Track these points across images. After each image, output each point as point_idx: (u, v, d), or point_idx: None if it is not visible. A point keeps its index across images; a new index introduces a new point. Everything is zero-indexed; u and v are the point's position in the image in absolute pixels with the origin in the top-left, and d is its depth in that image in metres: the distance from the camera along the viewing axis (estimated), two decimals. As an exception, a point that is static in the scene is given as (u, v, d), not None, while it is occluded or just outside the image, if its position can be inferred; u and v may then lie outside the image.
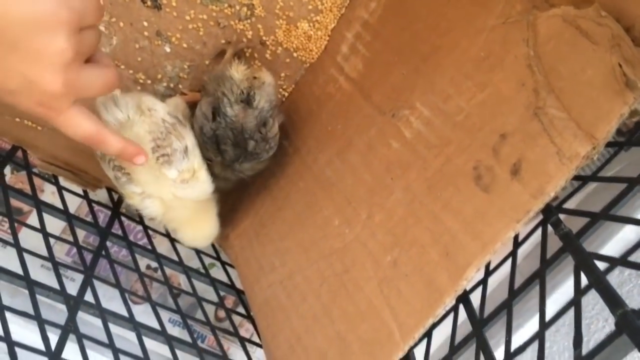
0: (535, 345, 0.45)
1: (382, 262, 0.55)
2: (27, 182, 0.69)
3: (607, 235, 0.75)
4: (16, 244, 0.61)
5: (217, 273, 0.81)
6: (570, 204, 0.53)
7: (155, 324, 0.65)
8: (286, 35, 0.73)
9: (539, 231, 0.52)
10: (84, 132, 0.45)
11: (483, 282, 0.52)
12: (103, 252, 0.68)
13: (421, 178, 0.55)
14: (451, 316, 0.53)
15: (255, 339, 0.72)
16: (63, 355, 0.54)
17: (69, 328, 0.56)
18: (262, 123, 0.65)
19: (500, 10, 0.55)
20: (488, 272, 0.52)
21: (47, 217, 0.68)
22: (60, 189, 0.71)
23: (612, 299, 0.40)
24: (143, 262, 0.86)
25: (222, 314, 0.89)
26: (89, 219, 0.74)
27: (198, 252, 0.78)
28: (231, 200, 0.77)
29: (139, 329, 0.61)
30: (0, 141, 0.79)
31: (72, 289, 0.63)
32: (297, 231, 0.66)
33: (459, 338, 0.52)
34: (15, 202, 0.80)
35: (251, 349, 0.91)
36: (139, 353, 0.60)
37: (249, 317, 0.75)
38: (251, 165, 0.67)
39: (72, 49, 0.39)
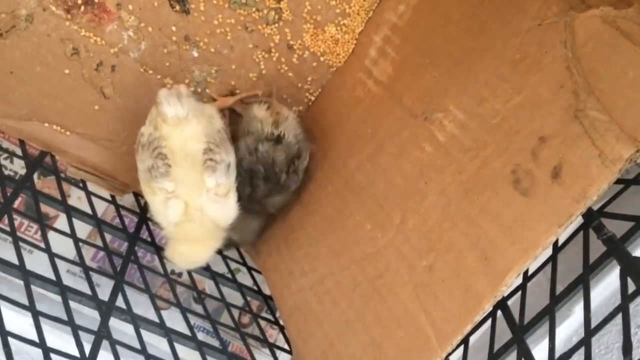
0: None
1: (417, 267, 0.55)
2: (54, 187, 0.69)
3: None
4: (47, 249, 0.61)
5: (241, 279, 0.80)
6: (610, 209, 0.52)
7: (181, 330, 0.64)
8: (313, 39, 0.73)
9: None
10: None
11: (522, 287, 0.51)
12: (132, 257, 0.68)
13: (456, 182, 0.54)
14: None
15: (279, 344, 0.72)
16: (96, 361, 0.54)
17: (102, 334, 0.56)
18: (297, 155, 0.68)
19: (536, 12, 0.54)
20: (526, 278, 0.51)
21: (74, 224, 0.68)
22: (88, 193, 0.71)
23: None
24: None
25: (245, 319, 0.89)
26: (115, 223, 0.74)
27: (224, 258, 0.77)
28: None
29: (170, 334, 0.61)
30: (27, 147, 0.79)
31: (100, 294, 0.63)
32: (328, 236, 0.65)
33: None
34: (42, 208, 0.80)
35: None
36: (168, 358, 0.60)
37: (276, 322, 0.74)
38: (281, 198, 0.69)
39: None
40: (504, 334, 0.54)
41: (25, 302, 0.54)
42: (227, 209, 0.63)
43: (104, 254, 0.84)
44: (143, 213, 0.74)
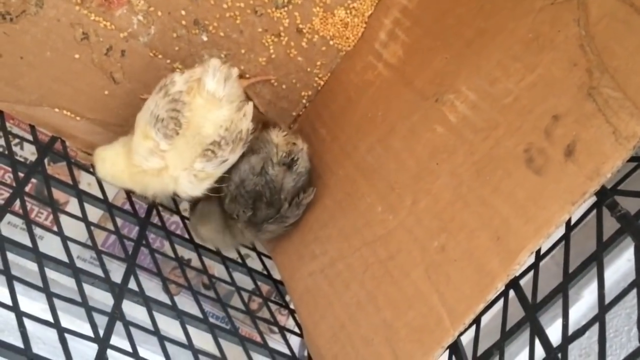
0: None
1: (429, 248, 0.55)
2: (63, 173, 0.69)
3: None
4: (60, 232, 0.61)
5: (251, 264, 0.80)
6: (623, 187, 0.52)
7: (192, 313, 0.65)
8: (323, 23, 0.72)
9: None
10: None
11: (535, 266, 0.51)
12: (143, 242, 0.68)
13: (468, 162, 0.54)
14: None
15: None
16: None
17: (116, 315, 0.56)
18: (303, 188, 0.68)
19: (549, -9, 0.54)
20: (539, 257, 0.51)
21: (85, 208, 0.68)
22: (99, 179, 0.71)
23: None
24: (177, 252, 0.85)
25: (254, 306, 0.89)
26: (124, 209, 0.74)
27: (235, 244, 0.77)
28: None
29: (182, 316, 0.61)
30: (37, 132, 0.79)
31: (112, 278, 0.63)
32: (338, 219, 0.65)
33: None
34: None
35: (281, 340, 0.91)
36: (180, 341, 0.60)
37: (285, 306, 0.75)
38: (276, 227, 0.69)
39: None
40: (512, 315, 0.54)
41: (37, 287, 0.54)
42: (193, 190, 0.63)
43: (114, 241, 0.85)
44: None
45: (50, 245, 0.69)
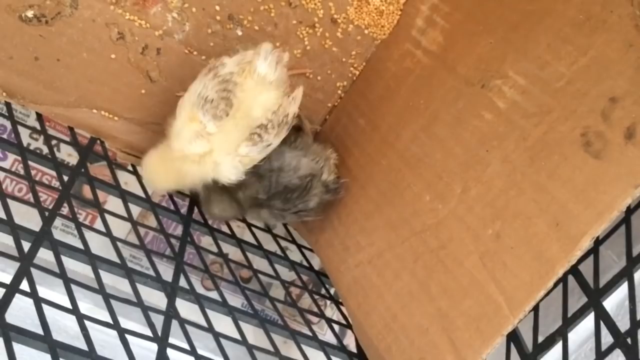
0: None
1: (483, 236, 0.54)
2: (101, 173, 0.69)
3: None
4: (109, 234, 0.61)
5: (290, 256, 0.80)
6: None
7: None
8: (357, 12, 0.72)
9: None
10: None
11: (594, 251, 0.50)
12: (188, 239, 0.68)
13: (521, 148, 0.53)
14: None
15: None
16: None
17: (171, 314, 0.56)
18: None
19: (598, -30, 0.53)
20: (598, 242, 0.51)
21: (122, 208, 0.68)
22: (140, 178, 0.71)
23: None
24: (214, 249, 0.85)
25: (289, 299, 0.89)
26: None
27: (275, 237, 0.77)
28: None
29: (234, 312, 0.62)
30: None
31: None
32: (384, 209, 0.65)
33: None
34: (89, 194, 0.81)
35: (321, 330, 0.91)
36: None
37: (330, 297, 0.75)
38: (290, 217, 0.70)
39: None
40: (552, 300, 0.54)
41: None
42: (236, 175, 0.62)
43: (152, 238, 0.86)
44: (193, 194, 0.74)
45: (90, 245, 0.69)
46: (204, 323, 0.59)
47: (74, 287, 0.53)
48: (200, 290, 0.67)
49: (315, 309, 0.72)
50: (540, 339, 0.52)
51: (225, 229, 0.75)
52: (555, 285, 0.53)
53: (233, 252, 0.77)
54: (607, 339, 0.50)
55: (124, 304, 0.56)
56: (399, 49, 0.71)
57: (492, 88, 0.58)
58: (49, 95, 0.69)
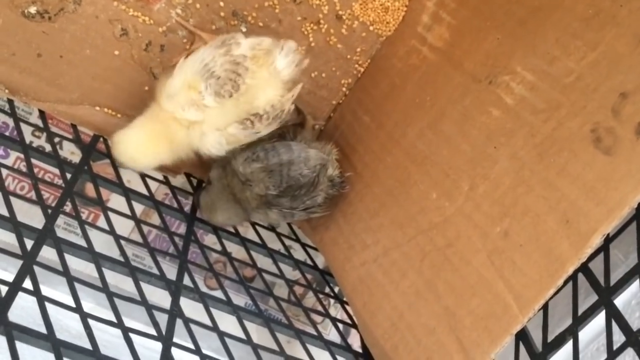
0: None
1: (491, 234, 0.54)
2: (102, 171, 0.69)
3: None
4: (113, 232, 0.61)
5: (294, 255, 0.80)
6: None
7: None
8: (363, 9, 0.71)
9: None
10: None
11: (605, 249, 0.50)
12: (192, 238, 0.68)
13: (529, 145, 0.53)
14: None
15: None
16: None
17: (175, 312, 0.56)
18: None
19: (607, -36, 0.52)
20: (608, 239, 0.50)
21: (124, 207, 0.68)
22: (143, 175, 0.71)
23: None
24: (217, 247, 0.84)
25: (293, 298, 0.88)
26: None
27: (279, 235, 0.77)
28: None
29: (238, 312, 0.61)
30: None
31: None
32: (390, 207, 0.64)
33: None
34: (92, 193, 0.81)
35: (324, 330, 0.91)
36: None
37: (335, 296, 0.74)
38: (299, 214, 0.68)
39: None
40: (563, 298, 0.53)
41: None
42: (218, 151, 0.63)
43: (155, 237, 0.85)
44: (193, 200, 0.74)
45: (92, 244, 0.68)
46: (207, 322, 0.58)
47: (76, 286, 0.53)
48: (203, 289, 0.67)
49: (319, 308, 0.71)
50: (549, 337, 0.51)
51: (229, 227, 0.74)
52: (565, 283, 0.53)
53: (236, 251, 0.77)
54: (616, 337, 0.49)
55: (126, 304, 0.56)
56: (404, 45, 0.70)
57: (500, 84, 0.57)
58: (51, 92, 0.68)
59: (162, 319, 0.56)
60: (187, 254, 0.65)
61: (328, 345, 0.65)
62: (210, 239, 0.82)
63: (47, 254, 0.57)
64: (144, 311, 0.56)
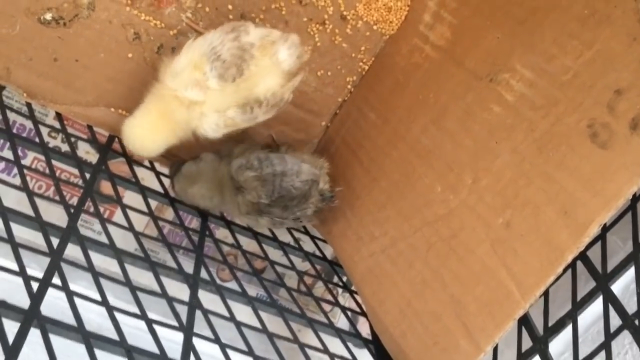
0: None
1: (494, 225, 0.56)
2: (117, 169, 0.71)
3: None
4: (131, 228, 0.64)
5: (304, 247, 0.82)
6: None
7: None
8: (366, 9, 0.73)
9: None
10: None
11: (602, 237, 0.52)
12: (207, 232, 0.71)
13: (529, 139, 0.56)
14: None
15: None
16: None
17: (194, 304, 0.59)
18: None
19: (602, -34, 0.54)
20: (605, 228, 0.53)
21: (139, 203, 0.70)
22: (157, 174, 0.74)
23: None
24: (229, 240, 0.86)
25: (303, 288, 0.91)
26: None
27: (289, 229, 0.80)
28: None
29: (253, 302, 0.64)
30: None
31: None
32: (396, 200, 0.67)
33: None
34: (107, 191, 0.83)
35: (333, 318, 0.94)
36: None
37: (344, 286, 0.77)
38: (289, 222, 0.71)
39: None
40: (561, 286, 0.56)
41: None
42: (214, 132, 0.64)
43: (168, 232, 0.88)
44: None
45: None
46: (225, 313, 0.61)
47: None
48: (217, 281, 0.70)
49: (329, 298, 0.74)
50: (549, 322, 0.54)
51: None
52: (564, 270, 0.56)
53: (246, 244, 0.80)
54: (614, 321, 0.52)
55: (143, 296, 0.59)
56: (407, 44, 0.73)
57: (500, 81, 0.60)
58: (68, 95, 0.71)
59: (180, 310, 0.59)
60: (203, 248, 0.68)
61: (339, 332, 0.68)
62: (221, 233, 0.85)
63: (69, 250, 0.60)
64: (161, 304, 0.59)
